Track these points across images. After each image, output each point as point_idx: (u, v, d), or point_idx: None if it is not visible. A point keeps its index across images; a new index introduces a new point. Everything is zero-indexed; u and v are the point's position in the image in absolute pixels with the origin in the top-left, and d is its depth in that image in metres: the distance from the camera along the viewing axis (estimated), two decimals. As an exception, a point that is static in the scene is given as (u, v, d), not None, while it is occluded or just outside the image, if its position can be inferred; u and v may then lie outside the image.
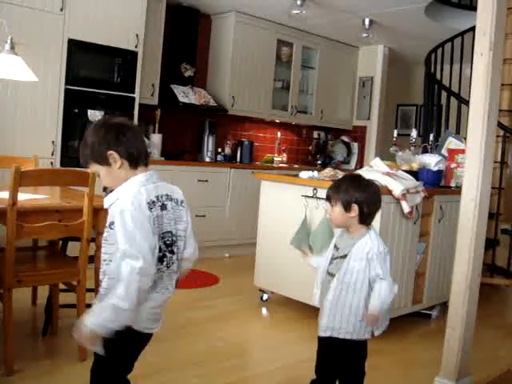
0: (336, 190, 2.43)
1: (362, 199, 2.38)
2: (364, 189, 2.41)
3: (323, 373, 2.50)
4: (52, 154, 4.97)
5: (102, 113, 5.22)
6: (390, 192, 3.64)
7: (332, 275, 2.43)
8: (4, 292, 2.83)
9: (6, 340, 2.86)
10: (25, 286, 3.06)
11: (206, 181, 6.02)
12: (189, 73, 6.37)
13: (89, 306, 3.17)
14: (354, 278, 2.36)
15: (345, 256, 2.40)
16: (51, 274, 3.09)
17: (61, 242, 3.59)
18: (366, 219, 2.42)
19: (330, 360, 2.50)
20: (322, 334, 2.44)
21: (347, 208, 2.38)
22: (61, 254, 3.48)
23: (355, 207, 2.37)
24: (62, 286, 3.42)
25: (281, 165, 7.23)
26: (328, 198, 2.46)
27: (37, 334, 3.53)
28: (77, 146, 5.10)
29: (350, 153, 8.00)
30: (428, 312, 4.44)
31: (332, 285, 2.40)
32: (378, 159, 4.11)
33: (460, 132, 5.51)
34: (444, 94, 6.13)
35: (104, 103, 5.26)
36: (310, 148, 8.06)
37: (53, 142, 4.97)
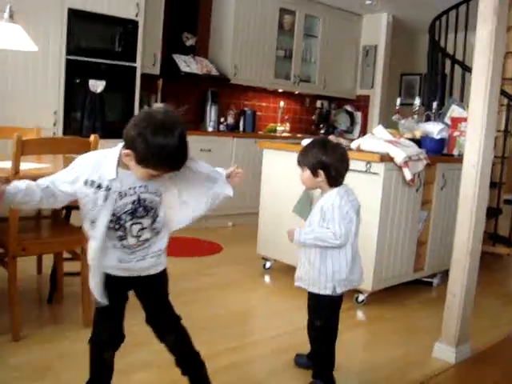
0: (303, 156, 2.53)
1: (328, 164, 2.47)
2: (330, 153, 2.48)
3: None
4: (54, 125, 4.97)
5: (104, 83, 5.20)
6: (391, 159, 3.64)
7: None
8: (9, 260, 2.86)
9: (12, 307, 2.90)
10: (29, 255, 3.09)
11: (209, 150, 6.00)
12: (190, 42, 6.33)
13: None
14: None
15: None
16: (55, 241, 3.11)
17: (64, 212, 3.61)
18: (334, 182, 2.51)
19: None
20: (295, 284, 2.66)
21: (314, 173, 2.49)
22: (64, 223, 3.50)
23: (321, 173, 2.47)
24: (66, 256, 3.45)
25: (284, 134, 7.22)
26: (298, 163, 2.56)
27: (42, 302, 3.58)
28: (80, 117, 5.11)
29: (353, 122, 7.97)
30: (429, 280, 4.47)
31: None
32: (380, 127, 4.09)
33: (464, 101, 5.48)
34: (448, 63, 6.08)
35: (105, 73, 5.24)
36: (313, 117, 8.04)
37: (55, 112, 4.97)
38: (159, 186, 2.04)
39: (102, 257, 2.04)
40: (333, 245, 2.46)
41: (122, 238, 2.03)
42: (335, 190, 2.51)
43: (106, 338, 2.21)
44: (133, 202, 1.99)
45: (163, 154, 1.83)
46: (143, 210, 2.02)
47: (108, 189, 1.95)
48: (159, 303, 2.25)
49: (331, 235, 2.44)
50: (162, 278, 2.22)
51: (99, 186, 1.95)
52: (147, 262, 2.11)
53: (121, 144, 1.95)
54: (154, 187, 2.02)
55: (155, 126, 1.82)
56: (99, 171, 1.96)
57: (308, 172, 2.50)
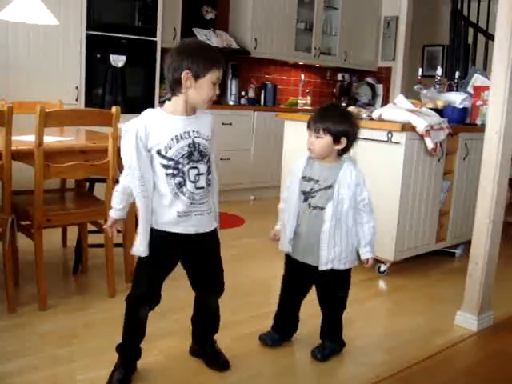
0: (327, 121, 2.45)
1: (351, 133, 2.46)
2: (354, 122, 2.49)
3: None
4: (76, 100, 5.00)
5: (125, 58, 5.22)
6: (413, 128, 3.61)
7: (319, 208, 2.49)
8: (34, 231, 2.91)
9: (39, 277, 2.96)
10: (54, 225, 3.14)
11: (230, 124, 6.01)
12: (210, 15, 6.30)
13: (117, 245, 3.29)
14: (347, 206, 2.46)
15: (329, 187, 2.46)
16: (79, 212, 3.15)
17: (88, 184, 3.66)
18: (347, 151, 2.51)
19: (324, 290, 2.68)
20: (324, 268, 2.51)
21: (336, 140, 2.44)
22: (88, 195, 3.55)
23: (344, 140, 2.44)
24: (90, 228, 3.50)
25: (305, 107, 7.18)
26: (315, 129, 2.46)
27: (68, 274, 3.65)
28: (101, 92, 5.14)
29: (374, 95, 7.89)
30: (452, 250, 4.46)
31: (326, 217, 2.46)
32: (401, 96, 4.05)
33: (487, 70, 5.40)
34: (471, 32, 6.00)
35: (126, 48, 5.24)
36: (335, 90, 7.97)
37: (76, 87, 5.00)
38: (209, 132, 2.21)
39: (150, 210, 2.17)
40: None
41: (181, 185, 2.13)
42: (351, 162, 2.51)
43: (147, 291, 2.28)
44: (188, 145, 2.12)
45: (207, 48, 2.17)
46: (198, 154, 2.15)
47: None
48: (216, 261, 2.41)
49: (373, 224, 2.54)
50: (216, 236, 2.38)
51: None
52: (204, 217, 2.24)
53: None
54: (206, 133, 2.19)
55: (189, 44, 2.18)
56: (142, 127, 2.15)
57: (329, 138, 2.43)
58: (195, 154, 2.14)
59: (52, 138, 3.15)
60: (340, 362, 2.64)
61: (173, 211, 2.16)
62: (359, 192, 2.47)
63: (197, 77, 2.08)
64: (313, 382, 2.46)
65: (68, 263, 3.77)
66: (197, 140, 2.15)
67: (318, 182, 2.49)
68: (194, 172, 2.15)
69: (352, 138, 2.46)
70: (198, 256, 2.33)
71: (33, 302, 3.00)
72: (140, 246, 2.17)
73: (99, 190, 3.52)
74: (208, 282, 2.42)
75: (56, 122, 2.92)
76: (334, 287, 2.63)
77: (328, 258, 2.49)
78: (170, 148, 2.10)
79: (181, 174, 2.13)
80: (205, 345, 2.53)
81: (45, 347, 2.59)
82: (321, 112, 2.53)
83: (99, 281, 3.39)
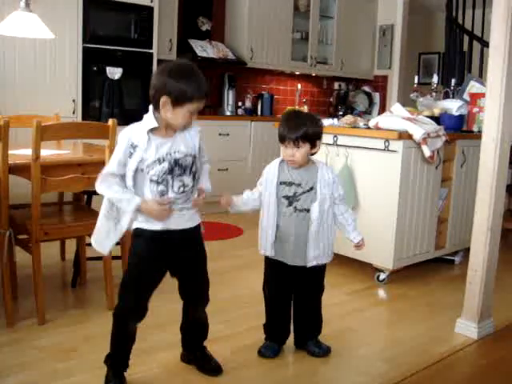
0: (301, 130, 2.49)
1: (320, 133, 2.55)
2: (318, 123, 2.56)
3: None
4: (73, 113, 5.01)
5: (121, 70, 5.23)
6: (410, 136, 3.62)
7: (305, 210, 2.56)
8: (32, 245, 2.90)
9: (37, 291, 2.95)
10: (52, 239, 3.13)
11: (228, 134, 6.02)
12: (206, 27, 6.33)
13: (115, 257, 3.28)
14: (328, 204, 2.57)
15: (311, 188, 2.55)
16: (77, 226, 3.14)
17: (85, 197, 3.65)
18: (318, 151, 2.60)
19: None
20: (310, 265, 2.61)
21: (313, 145, 2.53)
22: (85, 208, 3.54)
23: (318, 142, 2.55)
24: (88, 241, 3.49)
25: (302, 117, 7.17)
26: (294, 141, 2.49)
27: (66, 287, 3.64)
28: (98, 105, 5.15)
29: (371, 103, 7.90)
30: (451, 258, 4.45)
31: (313, 218, 2.55)
32: (398, 104, 4.06)
33: (483, 77, 5.41)
34: (466, 40, 6.01)
35: (122, 60, 5.27)
36: (331, 99, 7.99)
37: (73, 100, 5.01)
38: (188, 148, 2.23)
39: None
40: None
41: (163, 193, 2.20)
42: (319, 161, 2.64)
43: (134, 305, 2.29)
44: (169, 163, 2.18)
45: (193, 76, 2.11)
46: (179, 168, 2.20)
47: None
48: (202, 271, 2.41)
49: (350, 211, 2.69)
50: (199, 232, 2.38)
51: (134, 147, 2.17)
52: (185, 215, 2.28)
53: (150, 112, 2.19)
54: (185, 149, 2.22)
55: (177, 67, 2.15)
56: (136, 139, 2.17)
57: (307, 146, 2.50)
58: (176, 169, 2.20)
59: (49, 152, 3.15)
60: (340, 372, 2.63)
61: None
62: (336, 188, 2.59)
63: (175, 104, 2.10)
64: (313, 393, 2.45)
65: (66, 276, 3.76)
66: (177, 156, 2.19)
67: (299, 185, 2.56)
68: (177, 184, 2.21)
69: (321, 137, 2.57)
70: (184, 259, 2.34)
71: (31, 316, 2.99)
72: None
73: (97, 202, 3.51)
74: (194, 294, 2.43)
75: (52, 136, 2.92)
76: (317, 282, 2.72)
77: (314, 255, 2.59)
78: (153, 168, 2.16)
79: (164, 183, 2.19)
80: (195, 351, 2.53)
81: (44, 362, 2.57)
82: (291, 122, 2.54)
83: (98, 293, 3.38)
